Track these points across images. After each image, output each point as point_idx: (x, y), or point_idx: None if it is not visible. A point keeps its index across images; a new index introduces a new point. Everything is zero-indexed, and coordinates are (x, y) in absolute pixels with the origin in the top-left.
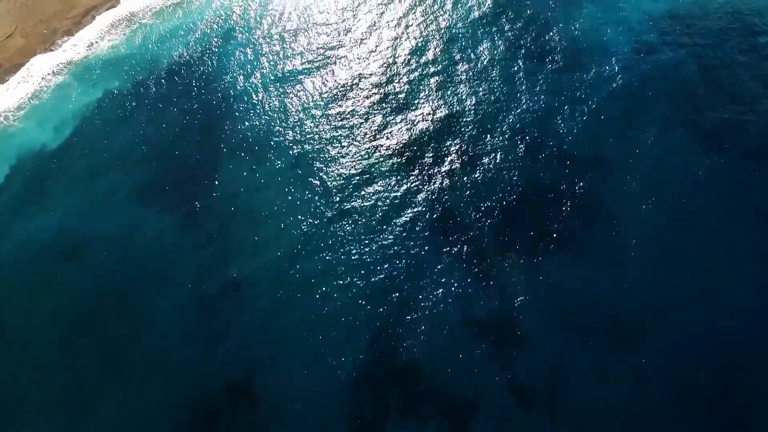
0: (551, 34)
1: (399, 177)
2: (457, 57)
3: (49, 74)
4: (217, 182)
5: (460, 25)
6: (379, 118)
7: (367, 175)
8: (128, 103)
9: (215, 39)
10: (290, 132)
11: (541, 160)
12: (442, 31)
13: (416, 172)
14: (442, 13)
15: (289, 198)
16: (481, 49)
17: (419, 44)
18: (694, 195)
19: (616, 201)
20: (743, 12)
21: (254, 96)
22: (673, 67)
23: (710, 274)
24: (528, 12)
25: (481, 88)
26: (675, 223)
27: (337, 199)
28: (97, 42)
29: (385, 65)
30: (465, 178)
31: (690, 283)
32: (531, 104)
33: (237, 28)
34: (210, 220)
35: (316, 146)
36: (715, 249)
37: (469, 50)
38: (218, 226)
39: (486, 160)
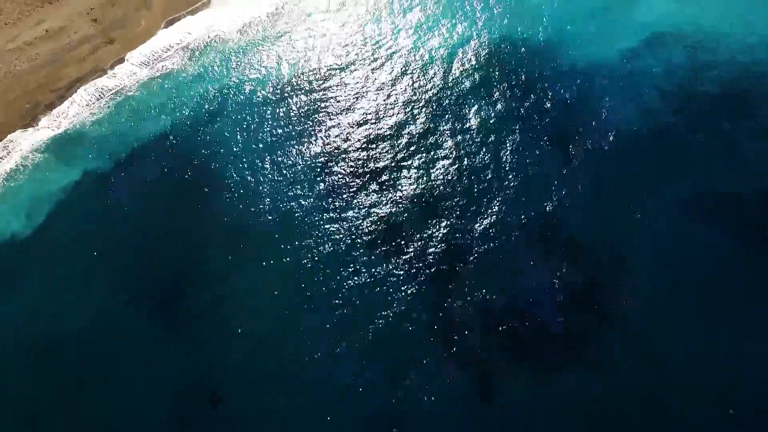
0: (548, 105)
1: (386, 270)
2: (448, 131)
3: (27, 152)
4: (197, 274)
5: (452, 96)
6: (365, 201)
7: (352, 267)
8: (107, 184)
9: (201, 113)
10: (273, 215)
11: (542, 250)
12: (432, 102)
13: (406, 265)
14: (432, 83)
15: (274, 292)
16: (474, 122)
17: (407, 117)
18: (714, 286)
19: (629, 295)
20: (741, 82)
21: (236, 176)
22: (678, 140)
23: (742, 381)
24: (522, 83)
25: (474, 167)
26: (698, 320)
27: (320, 293)
28: (79, 117)
29: (373, 139)
30: (458, 270)
31: (717, 392)
32: (529, 185)
33: (221, 101)
34: (189, 319)
35: (298, 231)
36: (746, 351)
37: (461, 124)
38: (198, 323)
39: (481, 250)
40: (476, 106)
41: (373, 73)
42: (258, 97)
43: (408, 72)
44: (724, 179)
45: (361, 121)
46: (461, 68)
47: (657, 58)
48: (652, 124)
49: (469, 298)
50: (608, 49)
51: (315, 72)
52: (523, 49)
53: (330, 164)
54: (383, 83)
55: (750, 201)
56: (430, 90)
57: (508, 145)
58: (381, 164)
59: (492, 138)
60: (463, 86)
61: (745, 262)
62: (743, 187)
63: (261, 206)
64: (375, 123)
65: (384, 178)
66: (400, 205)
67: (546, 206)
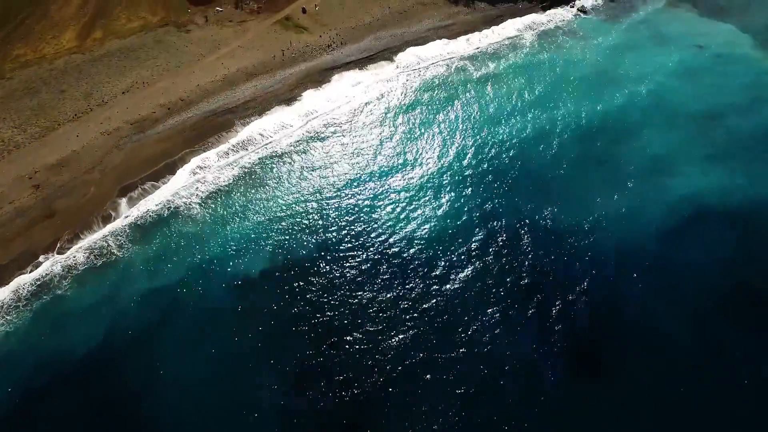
0: (564, 302)
1: None
2: (444, 340)
3: None
4: None
5: (449, 294)
6: None
7: None
8: (16, 424)
9: (141, 320)
10: None
11: None
12: (429, 308)
13: None
14: (426, 285)
15: None
16: (471, 333)
17: (388, 326)
18: None
19: None
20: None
21: (172, 413)
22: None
23: None
24: (536, 273)
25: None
26: None
27: None
28: None
29: (339, 363)
30: None
31: None
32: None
33: (167, 303)
34: None
35: None
36: None
37: (459, 334)
38: None
39: None
40: (476, 311)
41: (352, 263)
42: (212, 300)
43: (395, 268)
44: None
45: (334, 335)
46: (459, 254)
47: (698, 241)
48: (697, 332)
49: None
50: (641, 230)
51: (279, 266)
52: (539, 230)
53: (285, 396)
54: (365, 280)
55: None
56: (426, 293)
57: (509, 352)
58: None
59: (491, 343)
60: (463, 281)
61: None
62: None
63: None
64: (352, 336)
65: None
66: None
67: None
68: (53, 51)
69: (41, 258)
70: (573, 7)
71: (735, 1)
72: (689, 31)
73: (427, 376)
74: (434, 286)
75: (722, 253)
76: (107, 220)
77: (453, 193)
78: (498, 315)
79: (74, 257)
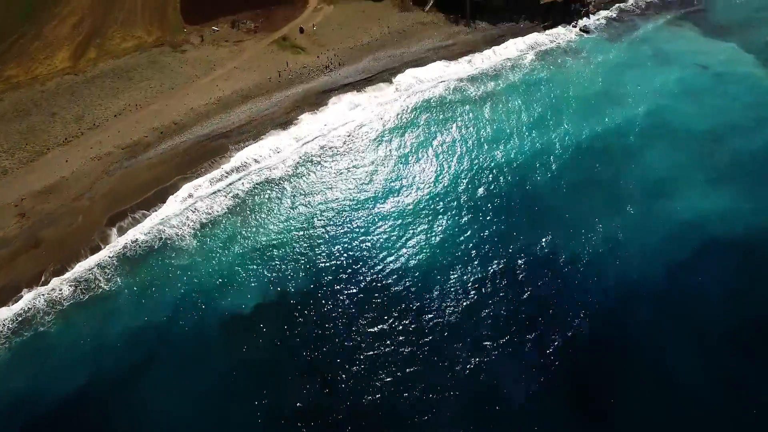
0: (566, 339)
1: None
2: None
3: None
4: None
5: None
6: None
7: None
8: None
9: (128, 359)
10: None
11: None
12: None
13: None
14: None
15: None
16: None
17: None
18: None
19: None
20: None
21: None
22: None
23: None
24: (537, 313)
25: None
26: None
27: None
28: None
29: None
30: None
31: None
32: None
33: (157, 338)
34: None
35: None
36: None
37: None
38: None
39: None
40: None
41: (346, 296)
42: (202, 336)
43: (390, 300)
44: None
45: (328, 371)
46: (455, 286)
47: (701, 269)
48: (703, 365)
49: None
50: (642, 258)
51: (272, 300)
52: (538, 258)
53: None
54: (360, 314)
55: None
56: (421, 327)
57: (507, 389)
58: None
59: (489, 379)
60: (459, 314)
61: None
62: None
63: None
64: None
65: None
66: None
67: None
68: (46, 72)
69: (24, 291)
70: (575, 26)
71: (736, 20)
72: (691, 49)
73: (425, 417)
74: (429, 320)
75: (726, 281)
76: (95, 250)
77: (450, 221)
78: (495, 350)
79: (59, 291)
